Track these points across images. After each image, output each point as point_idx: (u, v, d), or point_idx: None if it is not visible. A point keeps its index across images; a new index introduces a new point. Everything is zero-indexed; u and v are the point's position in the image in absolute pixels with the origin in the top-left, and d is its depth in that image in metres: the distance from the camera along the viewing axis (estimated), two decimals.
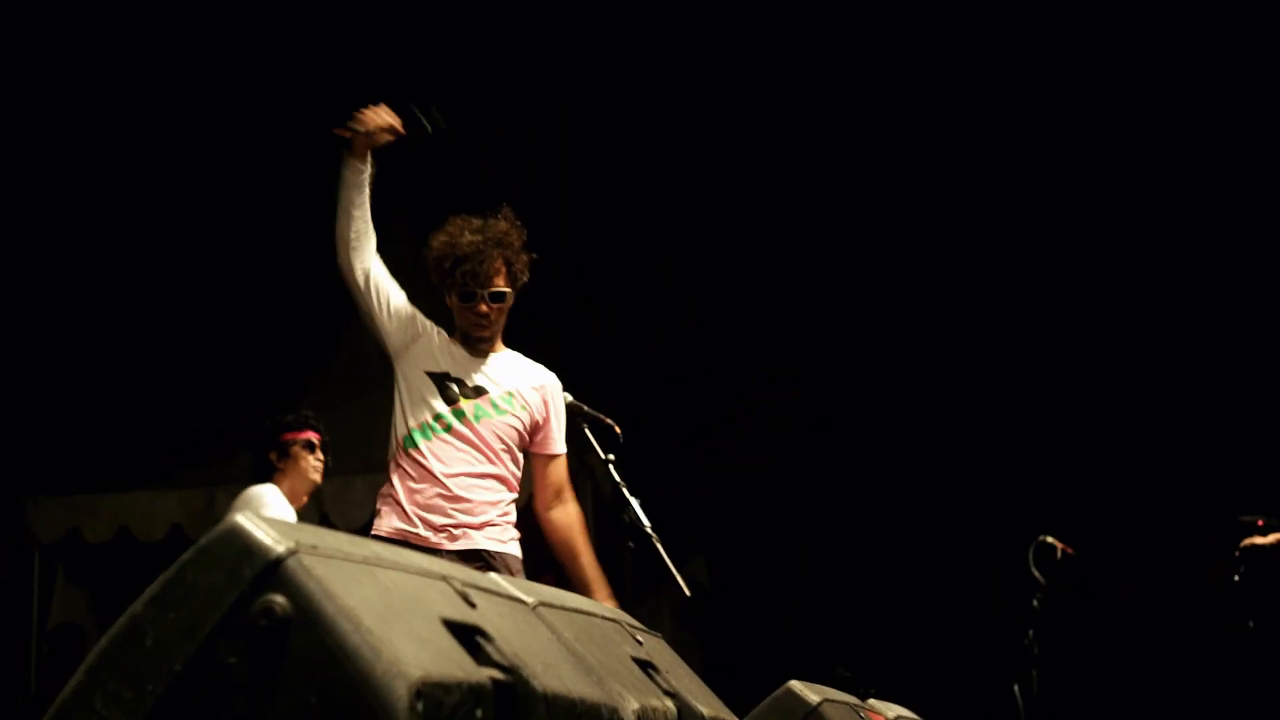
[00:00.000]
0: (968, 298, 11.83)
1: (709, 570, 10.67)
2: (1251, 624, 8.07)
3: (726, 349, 11.79)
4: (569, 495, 5.37)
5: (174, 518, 9.84)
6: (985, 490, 10.92)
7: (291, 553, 1.80)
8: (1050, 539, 8.65)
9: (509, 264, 5.16)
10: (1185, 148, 11.08)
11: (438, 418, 5.10)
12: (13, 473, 10.36)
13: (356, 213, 5.03)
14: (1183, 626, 10.47)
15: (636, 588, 5.19)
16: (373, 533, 5.04)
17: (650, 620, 9.47)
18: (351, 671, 1.73)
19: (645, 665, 2.70)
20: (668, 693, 2.65)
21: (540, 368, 5.38)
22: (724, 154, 11.73)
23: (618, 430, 5.24)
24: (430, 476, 5.05)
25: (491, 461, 5.13)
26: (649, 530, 5.00)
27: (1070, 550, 8.70)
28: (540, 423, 5.28)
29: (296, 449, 7.05)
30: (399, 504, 5.07)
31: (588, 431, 5.33)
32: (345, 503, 9.86)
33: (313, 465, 7.10)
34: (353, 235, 5.05)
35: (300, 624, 1.77)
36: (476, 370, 5.22)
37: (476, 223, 5.17)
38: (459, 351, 5.25)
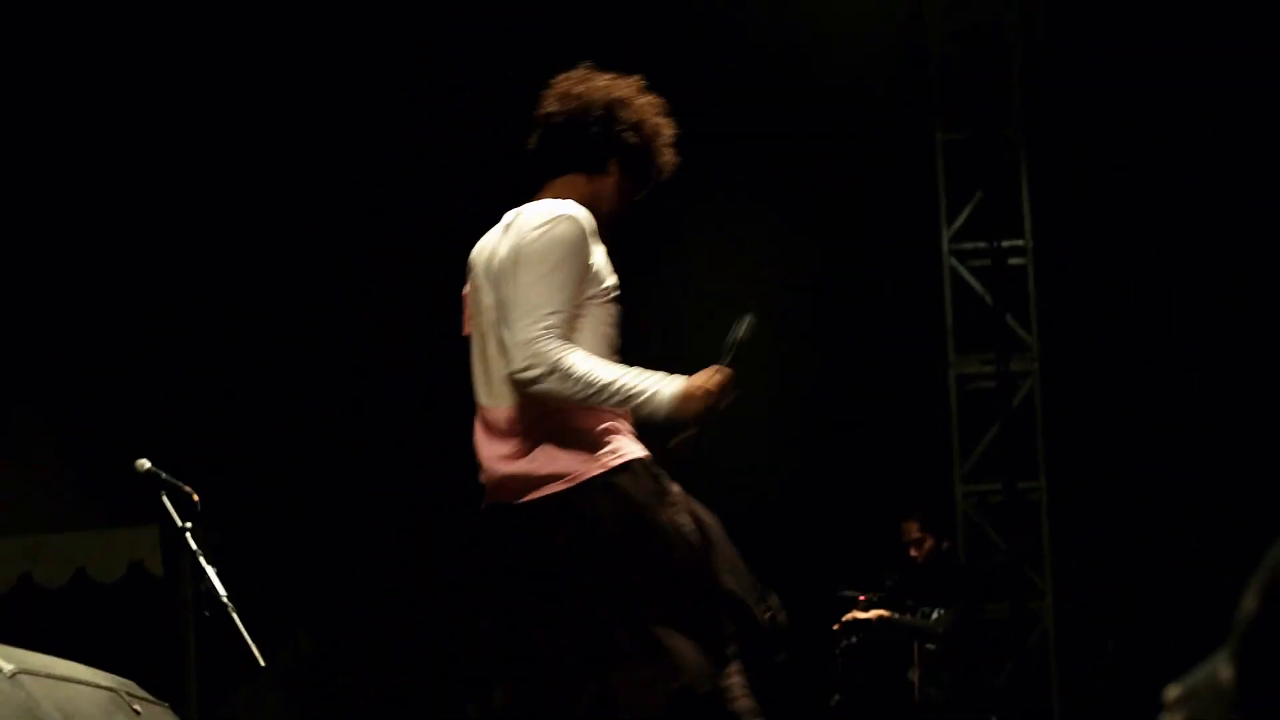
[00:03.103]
0: None
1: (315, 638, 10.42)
2: (836, 698, 8.27)
3: None
4: None
5: None
6: None
7: None
8: None
9: None
10: None
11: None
12: None
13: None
14: (785, 700, 10.69)
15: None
16: (627, 461, 3.90)
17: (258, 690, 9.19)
18: None
19: None
20: None
21: None
22: None
23: (196, 498, 4.92)
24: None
25: None
26: (225, 600, 4.78)
27: None
28: None
29: None
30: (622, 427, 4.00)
31: (165, 500, 4.97)
32: None
33: None
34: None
35: None
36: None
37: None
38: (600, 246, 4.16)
